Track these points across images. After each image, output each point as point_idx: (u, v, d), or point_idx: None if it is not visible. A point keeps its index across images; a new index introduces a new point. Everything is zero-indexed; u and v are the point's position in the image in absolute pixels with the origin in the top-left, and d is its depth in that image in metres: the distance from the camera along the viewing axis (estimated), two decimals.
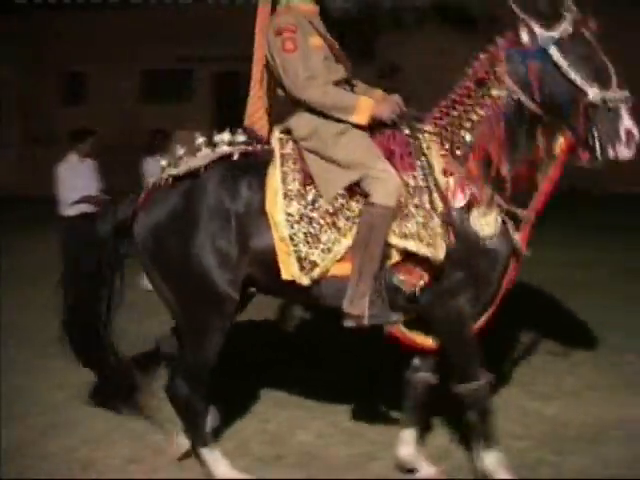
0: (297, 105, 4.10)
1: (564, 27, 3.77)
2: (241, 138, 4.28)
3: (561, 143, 4.03)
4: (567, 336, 6.17)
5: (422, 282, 3.95)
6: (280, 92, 4.20)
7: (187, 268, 4.08)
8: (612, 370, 5.61)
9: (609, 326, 6.31)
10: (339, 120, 4.00)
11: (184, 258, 4.08)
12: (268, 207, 4.02)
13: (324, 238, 3.96)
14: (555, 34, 3.79)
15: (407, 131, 4.05)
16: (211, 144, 4.25)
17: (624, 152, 3.67)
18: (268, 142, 4.24)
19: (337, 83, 4.13)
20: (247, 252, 4.07)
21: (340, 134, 4.01)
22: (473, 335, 4.12)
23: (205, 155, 4.20)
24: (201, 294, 4.11)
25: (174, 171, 4.19)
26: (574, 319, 6.45)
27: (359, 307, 3.91)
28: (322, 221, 3.98)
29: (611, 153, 3.69)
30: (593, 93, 3.70)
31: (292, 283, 4.01)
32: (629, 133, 3.66)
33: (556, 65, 3.78)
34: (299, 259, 3.97)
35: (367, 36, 22.98)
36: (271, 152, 4.15)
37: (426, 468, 4.29)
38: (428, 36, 22.49)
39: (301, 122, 4.10)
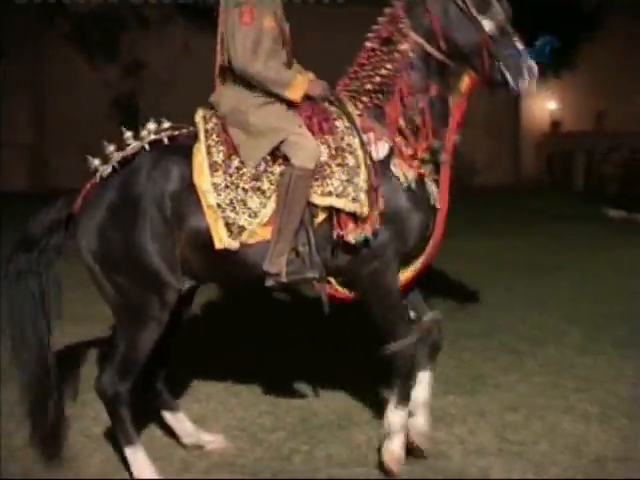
0: (236, 76, 4.18)
1: None
2: (166, 125, 4.35)
3: (466, 83, 4.29)
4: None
5: (363, 233, 4.07)
6: (220, 61, 4.30)
7: (130, 259, 4.09)
8: (350, 359, 5.84)
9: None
10: (266, 95, 4.18)
11: (127, 249, 4.09)
12: (195, 179, 4.11)
13: (250, 203, 4.11)
14: None
15: (324, 103, 4.29)
16: (138, 137, 4.29)
17: (526, 85, 4.08)
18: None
19: None
20: (183, 231, 4.13)
21: (261, 105, 4.18)
22: (399, 291, 4.29)
23: (134, 146, 4.23)
24: (144, 283, 4.11)
25: (105, 168, 4.22)
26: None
27: (277, 265, 4.10)
28: (247, 187, 4.13)
29: (518, 86, 4.07)
30: (489, 25, 4.06)
31: (225, 258, 4.12)
32: (528, 67, 4.07)
33: (458, 7, 4.11)
34: (227, 225, 4.09)
35: (112, 33, 22.64)
36: (197, 132, 4.26)
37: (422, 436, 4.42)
38: (172, 32, 22.88)
39: (223, 99, 4.25)
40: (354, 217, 4.09)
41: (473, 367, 5.98)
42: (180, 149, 4.25)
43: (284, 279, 4.13)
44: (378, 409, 4.79)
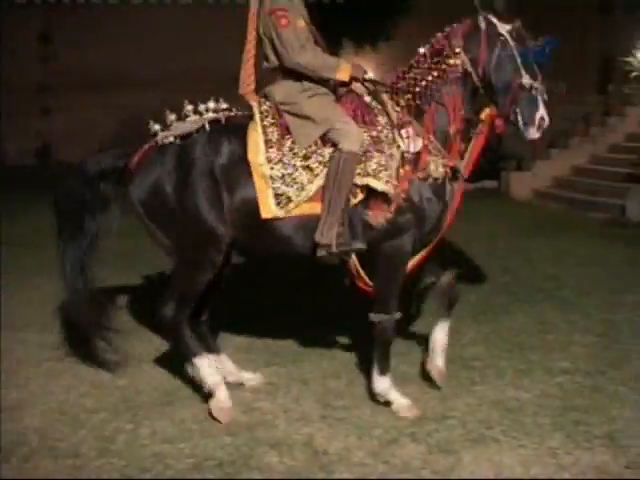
0: (285, 73, 4.84)
1: (516, 24, 4.76)
2: (224, 105, 4.95)
3: (486, 113, 4.89)
4: None
5: (387, 216, 4.68)
6: (266, 64, 4.94)
7: (184, 214, 4.70)
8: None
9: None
10: (314, 87, 4.83)
11: (180, 206, 4.70)
12: (250, 155, 4.70)
13: (299, 178, 4.69)
14: (509, 27, 4.74)
15: (367, 96, 4.91)
16: (198, 111, 4.88)
17: (534, 133, 4.67)
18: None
19: None
20: (231, 200, 4.69)
21: (311, 97, 4.82)
22: (404, 274, 4.89)
23: (194, 121, 4.82)
24: (199, 233, 4.71)
25: (165, 135, 4.80)
26: None
27: (328, 237, 4.63)
28: (298, 164, 4.70)
29: (527, 131, 4.68)
30: (525, 79, 4.63)
31: (267, 227, 4.69)
32: (541, 119, 4.64)
33: (506, 50, 4.71)
34: (276, 195, 4.67)
35: None
36: (251, 114, 4.84)
37: (401, 400, 4.79)
38: None
39: (278, 89, 4.87)
40: (384, 199, 4.67)
41: (295, 337, 6.05)
42: (234, 128, 4.81)
43: (335, 249, 4.64)
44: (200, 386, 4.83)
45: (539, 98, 4.67)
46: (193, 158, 4.72)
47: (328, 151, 4.69)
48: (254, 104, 4.89)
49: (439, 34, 4.91)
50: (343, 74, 4.84)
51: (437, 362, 5.07)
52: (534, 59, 4.70)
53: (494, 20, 4.78)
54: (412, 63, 4.93)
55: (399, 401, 4.77)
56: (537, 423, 4.54)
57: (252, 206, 4.68)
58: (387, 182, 4.64)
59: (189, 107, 4.86)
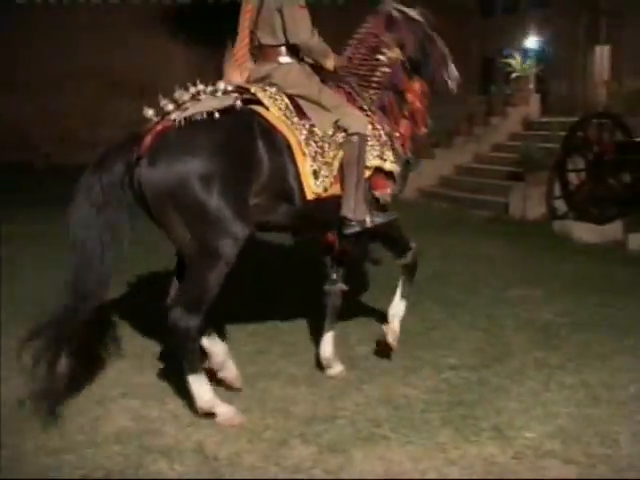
0: (287, 53, 5.02)
1: (419, 9, 5.56)
2: (229, 87, 4.78)
3: (416, 86, 5.54)
4: None
5: (389, 191, 5.24)
6: (268, 40, 5.02)
7: (211, 205, 4.39)
8: None
9: None
10: (316, 72, 5.15)
11: (209, 196, 4.38)
12: (287, 135, 4.77)
13: (327, 156, 4.91)
14: (416, 11, 5.53)
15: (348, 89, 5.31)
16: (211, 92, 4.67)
17: (455, 86, 5.62)
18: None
19: None
20: (265, 182, 4.65)
21: (318, 82, 5.10)
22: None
23: (210, 101, 4.60)
24: (221, 228, 4.44)
25: (186, 113, 4.48)
26: None
27: (361, 212, 5.01)
28: (321, 143, 4.91)
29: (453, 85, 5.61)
30: (443, 50, 5.58)
31: (301, 205, 4.81)
32: (457, 75, 5.60)
33: (423, 30, 5.53)
34: (314, 172, 4.81)
35: None
36: (254, 98, 4.83)
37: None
38: None
39: (282, 72, 4.99)
40: (387, 177, 5.22)
41: None
42: (254, 113, 4.75)
43: (369, 224, 5.07)
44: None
45: (450, 61, 5.62)
46: (231, 139, 4.54)
47: (341, 135, 4.99)
48: (256, 90, 4.87)
49: (364, 31, 5.48)
50: (331, 63, 5.22)
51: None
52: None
53: (403, 8, 5.50)
54: (354, 60, 5.42)
55: (397, 327, 5.50)
56: (425, 419, 4.61)
57: (297, 187, 4.80)
58: (392, 162, 5.21)
59: (200, 87, 4.65)
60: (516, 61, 17.13)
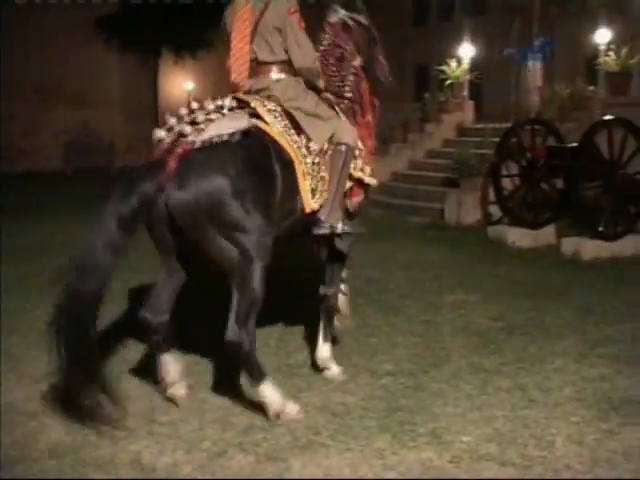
0: (284, 69, 5.16)
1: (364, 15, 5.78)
2: (234, 103, 4.93)
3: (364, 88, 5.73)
4: None
5: (358, 199, 5.50)
6: (266, 56, 5.14)
7: (244, 216, 4.55)
8: None
9: None
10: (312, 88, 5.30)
11: (241, 208, 4.54)
12: (292, 155, 4.92)
13: (321, 170, 5.11)
14: (363, 18, 5.76)
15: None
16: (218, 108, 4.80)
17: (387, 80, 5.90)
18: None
19: None
20: (286, 201, 4.88)
21: (313, 96, 5.27)
22: None
23: (225, 121, 4.73)
24: (257, 236, 4.61)
25: (204, 136, 4.59)
26: None
27: (334, 218, 5.19)
28: (317, 159, 5.09)
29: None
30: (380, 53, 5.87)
31: (301, 219, 5.05)
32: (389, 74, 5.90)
33: (371, 35, 5.79)
34: (312, 190, 5.03)
35: None
36: (255, 112, 4.93)
37: (335, 368, 5.46)
38: None
39: (281, 86, 5.13)
40: (361, 187, 5.49)
41: (117, 353, 5.91)
42: (266, 134, 4.88)
43: (339, 230, 5.24)
44: None
45: (381, 59, 5.91)
46: (256, 158, 4.72)
47: (330, 147, 5.22)
48: (256, 104, 4.98)
49: (327, 43, 5.64)
50: (322, 83, 5.42)
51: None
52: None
53: (354, 15, 5.70)
54: (328, 72, 5.58)
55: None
56: (364, 425, 4.62)
57: (300, 202, 5.00)
58: (370, 175, 5.50)
59: (211, 105, 4.77)
60: (450, 68, 17.31)
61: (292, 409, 4.72)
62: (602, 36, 14.97)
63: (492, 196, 12.20)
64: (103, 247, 4.43)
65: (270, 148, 4.83)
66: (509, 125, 12.56)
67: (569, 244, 10.30)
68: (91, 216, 4.61)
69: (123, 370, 5.48)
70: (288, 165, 4.92)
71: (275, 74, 5.18)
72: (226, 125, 4.70)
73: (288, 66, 5.20)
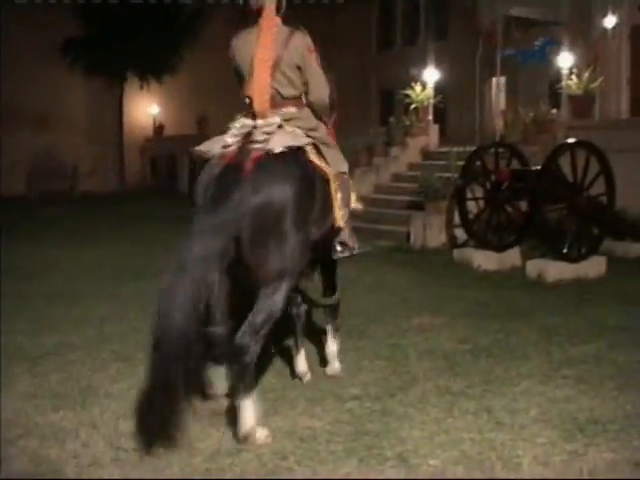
0: (301, 103, 5.39)
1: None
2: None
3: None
4: None
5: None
6: (287, 90, 5.27)
7: (308, 223, 4.95)
8: None
9: None
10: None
11: (307, 214, 4.94)
12: (326, 170, 5.26)
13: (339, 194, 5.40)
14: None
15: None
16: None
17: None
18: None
19: None
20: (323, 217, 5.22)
21: (325, 130, 5.61)
22: None
23: (287, 136, 5.04)
24: (308, 246, 4.95)
25: (272, 145, 4.88)
26: None
27: (353, 240, 5.64)
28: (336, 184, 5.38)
29: None
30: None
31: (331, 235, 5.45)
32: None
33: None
34: (338, 207, 5.36)
35: None
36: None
37: (336, 364, 6.09)
38: None
39: (303, 116, 5.36)
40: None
41: (82, 379, 5.86)
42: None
43: (356, 251, 5.70)
44: None
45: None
46: (310, 171, 5.06)
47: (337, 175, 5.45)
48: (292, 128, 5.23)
49: None
50: (327, 117, 5.77)
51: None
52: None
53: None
54: None
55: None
56: (330, 450, 4.59)
57: (330, 216, 5.32)
58: (357, 201, 5.92)
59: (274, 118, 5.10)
60: (414, 92, 17.44)
61: (261, 434, 4.70)
62: (565, 60, 15.21)
63: (457, 219, 12.28)
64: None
65: (314, 163, 5.18)
66: (473, 148, 12.67)
67: (534, 266, 10.39)
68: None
69: (87, 395, 5.43)
70: (325, 182, 5.24)
71: (296, 107, 5.37)
72: (289, 139, 5.04)
73: (305, 99, 5.47)
